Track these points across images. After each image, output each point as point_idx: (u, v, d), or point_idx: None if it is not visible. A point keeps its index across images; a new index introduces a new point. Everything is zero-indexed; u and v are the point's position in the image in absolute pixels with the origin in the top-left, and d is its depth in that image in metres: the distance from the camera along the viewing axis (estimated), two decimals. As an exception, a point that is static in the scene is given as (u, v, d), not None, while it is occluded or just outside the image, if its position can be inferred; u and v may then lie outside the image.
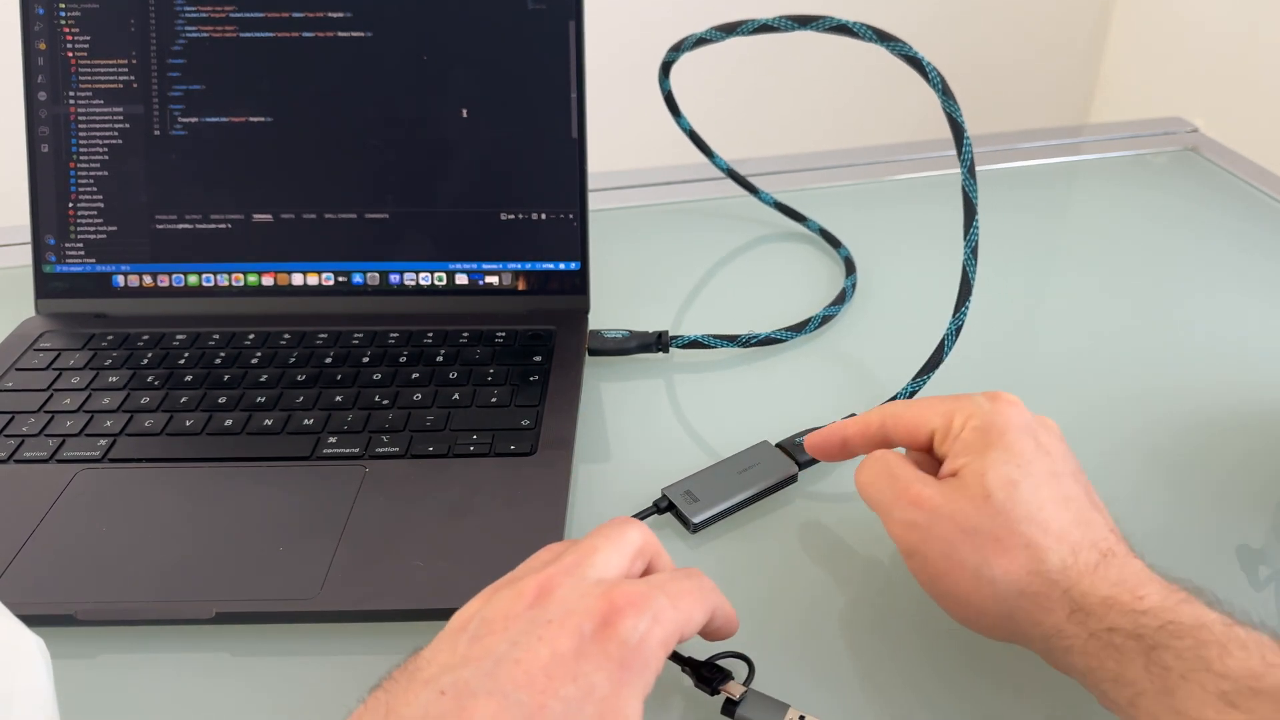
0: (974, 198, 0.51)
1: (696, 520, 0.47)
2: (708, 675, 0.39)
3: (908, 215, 0.77)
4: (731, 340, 0.60)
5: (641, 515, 0.47)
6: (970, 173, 0.51)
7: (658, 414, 0.56)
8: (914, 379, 0.54)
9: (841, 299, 0.64)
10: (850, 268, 0.67)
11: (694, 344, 0.60)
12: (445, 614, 0.41)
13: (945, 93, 0.52)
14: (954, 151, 0.52)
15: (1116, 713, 0.34)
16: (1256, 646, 0.31)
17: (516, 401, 0.53)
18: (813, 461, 0.51)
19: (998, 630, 0.37)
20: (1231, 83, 1.05)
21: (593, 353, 0.59)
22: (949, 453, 0.39)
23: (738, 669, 0.39)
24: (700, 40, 0.58)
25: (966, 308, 0.53)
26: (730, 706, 0.38)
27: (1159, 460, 0.52)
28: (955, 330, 0.53)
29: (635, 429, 0.55)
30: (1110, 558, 0.35)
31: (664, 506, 0.48)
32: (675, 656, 0.39)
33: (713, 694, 0.38)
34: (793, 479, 0.50)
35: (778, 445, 0.51)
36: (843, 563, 0.46)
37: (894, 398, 0.53)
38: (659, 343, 0.59)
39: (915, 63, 0.52)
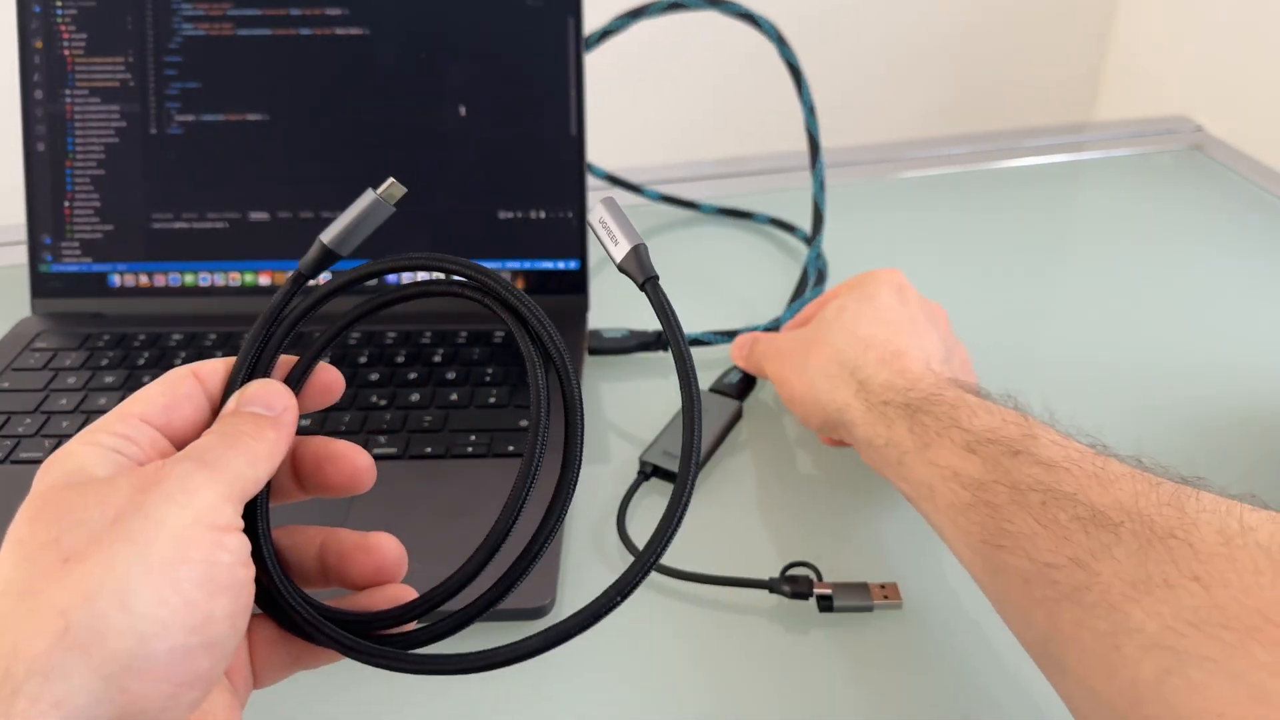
0: (815, 133, 0.60)
1: None
2: (796, 589, 0.42)
3: (898, 215, 0.77)
4: (731, 337, 0.59)
5: (632, 489, 0.49)
6: (811, 112, 0.61)
7: (658, 414, 0.56)
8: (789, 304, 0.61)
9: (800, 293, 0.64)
10: (820, 278, 0.66)
11: (695, 342, 0.59)
12: (442, 615, 0.41)
13: (781, 41, 0.59)
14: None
15: (889, 475, 0.41)
16: (1000, 412, 0.37)
17: (515, 402, 0.53)
18: (748, 390, 0.55)
19: (814, 412, 0.46)
20: (1237, 81, 1.04)
21: (592, 352, 0.59)
22: None
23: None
24: (606, 32, 0.62)
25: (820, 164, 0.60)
26: (826, 601, 0.42)
27: (1162, 461, 0.51)
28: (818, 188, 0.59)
29: (635, 429, 0.54)
30: (899, 357, 0.43)
31: (649, 472, 0.49)
32: (767, 584, 0.43)
33: (807, 598, 0.42)
34: (740, 413, 0.54)
35: (711, 389, 0.55)
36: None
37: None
38: (659, 342, 0.59)
39: (748, 18, 0.59)
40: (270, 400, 0.29)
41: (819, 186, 0.60)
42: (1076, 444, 0.35)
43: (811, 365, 0.46)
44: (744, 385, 0.55)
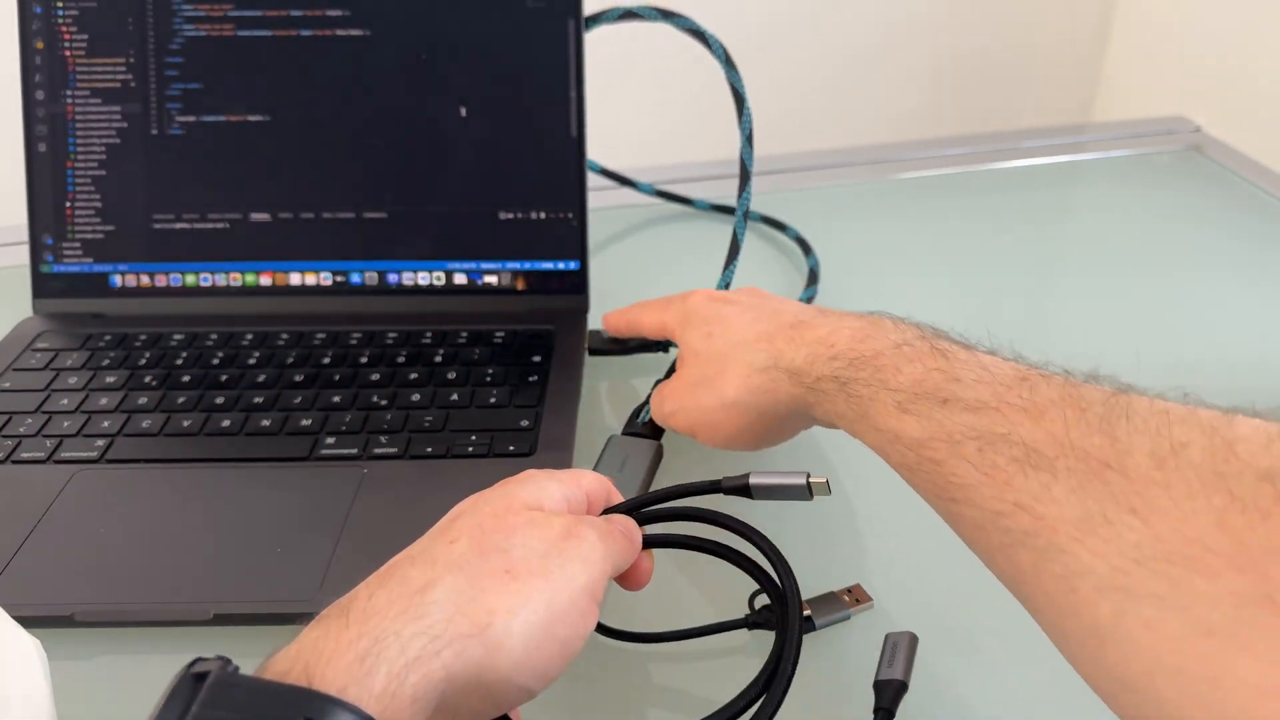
0: (748, 162, 0.57)
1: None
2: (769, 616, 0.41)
3: (896, 216, 0.77)
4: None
5: None
6: (748, 140, 0.58)
7: (657, 414, 0.56)
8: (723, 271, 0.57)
9: None
10: (813, 278, 0.67)
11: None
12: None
13: (729, 63, 0.57)
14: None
15: (857, 437, 0.40)
16: (919, 358, 0.37)
17: (515, 402, 0.53)
18: (660, 430, 0.52)
19: (770, 432, 0.46)
20: (1234, 82, 1.04)
21: (592, 352, 0.59)
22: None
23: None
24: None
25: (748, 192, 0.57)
26: (808, 623, 0.42)
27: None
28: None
29: (635, 429, 0.54)
30: (800, 327, 0.43)
31: None
32: (745, 622, 0.42)
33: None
34: (660, 453, 0.51)
35: (625, 434, 0.52)
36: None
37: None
38: (659, 342, 0.59)
39: (699, 35, 0.58)
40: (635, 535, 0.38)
41: (741, 217, 0.57)
42: (1001, 370, 0.36)
43: (731, 388, 0.44)
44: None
